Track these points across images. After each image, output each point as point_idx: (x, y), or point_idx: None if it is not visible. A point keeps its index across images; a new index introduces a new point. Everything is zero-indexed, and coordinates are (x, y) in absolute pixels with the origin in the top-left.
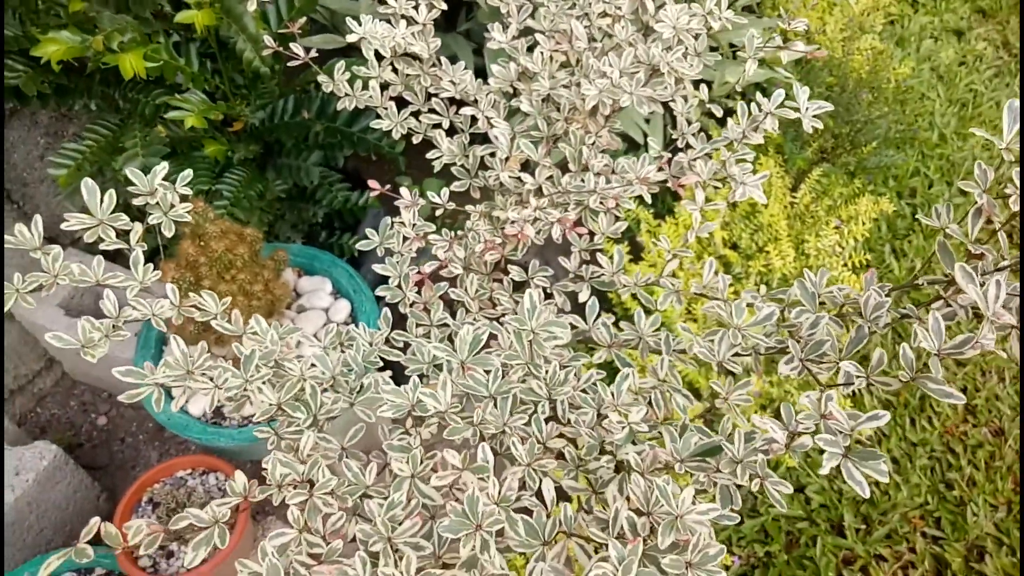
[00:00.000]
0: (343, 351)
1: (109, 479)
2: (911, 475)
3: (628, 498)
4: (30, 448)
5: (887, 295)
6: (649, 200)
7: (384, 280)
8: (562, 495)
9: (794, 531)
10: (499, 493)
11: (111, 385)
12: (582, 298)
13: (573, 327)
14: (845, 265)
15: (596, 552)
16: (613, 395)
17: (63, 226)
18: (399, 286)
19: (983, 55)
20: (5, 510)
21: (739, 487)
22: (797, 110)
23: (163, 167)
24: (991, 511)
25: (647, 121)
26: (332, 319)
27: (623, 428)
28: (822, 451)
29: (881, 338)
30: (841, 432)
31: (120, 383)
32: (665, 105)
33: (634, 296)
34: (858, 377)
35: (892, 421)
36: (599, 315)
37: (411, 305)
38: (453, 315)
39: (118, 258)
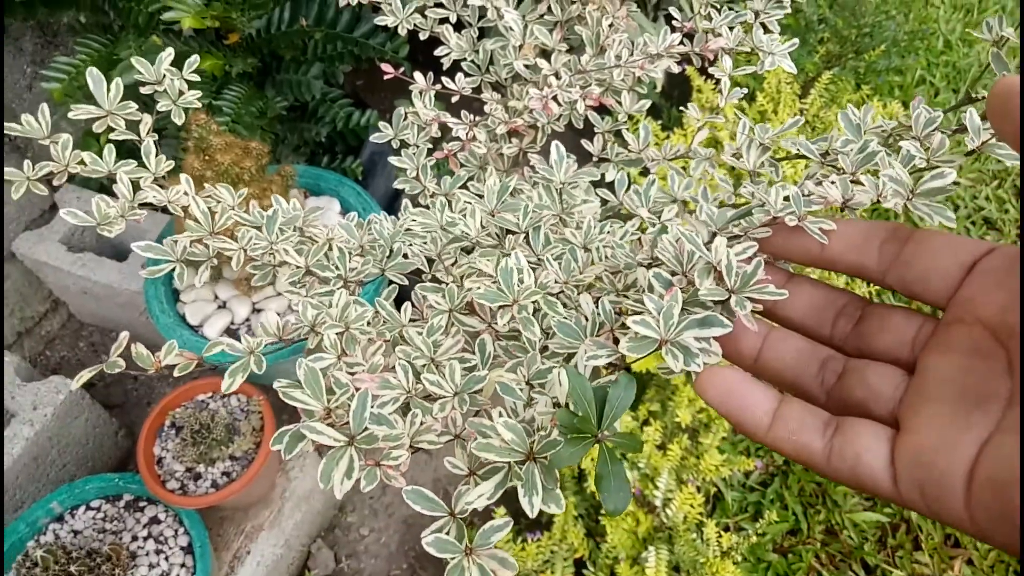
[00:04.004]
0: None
1: (125, 416)
2: None
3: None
4: (45, 383)
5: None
6: (676, 69)
7: (393, 198)
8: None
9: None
10: (536, 281)
11: (118, 324)
12: (609, 177)
13: (604, 201)
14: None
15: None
16: (642, 199)
17: (71, 115)
18: (416, 177)
19: None
20: (26, 445)
21: None
22: None
23: (168, 53)
24: None
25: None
26: None
27: (655, 225)
28: None
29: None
30: (900, 192)
31: (128, 322)
32: None
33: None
34: (919, 158)
35: None
36: (629, 187)
37: (431, 196)
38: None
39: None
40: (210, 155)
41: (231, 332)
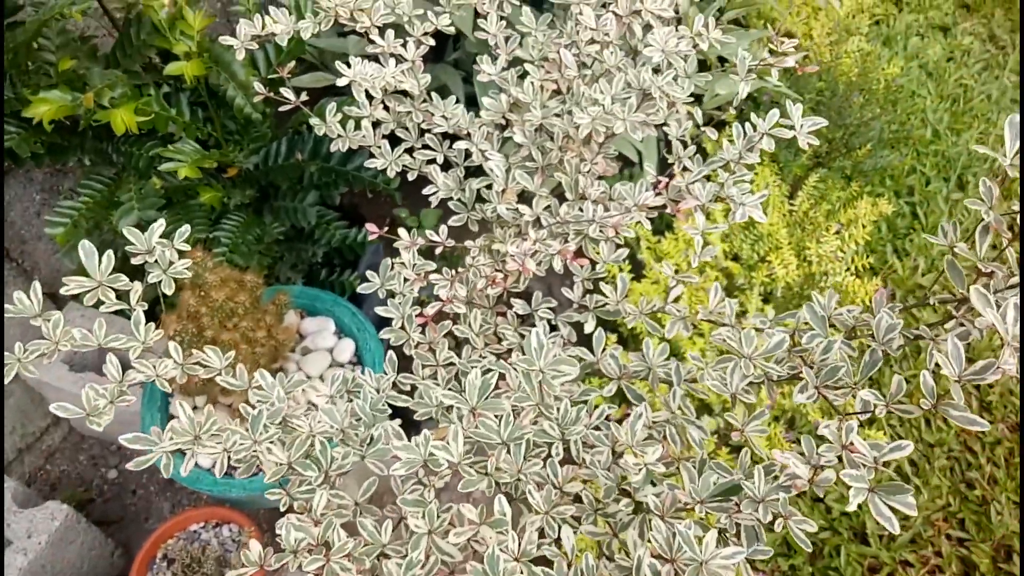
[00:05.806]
0: (350, 400)
1: (123, 533)
2: (931, 477)
3: (649, 542)
4: (41, 510)
5: (898, 315)
6: (648, 225)
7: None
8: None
9: (817, 541)
10: (519, 548)
11: (118, 438)
12: (588, 329)
13: (580, 359)
14: (848, 270)
15: None
16: (628, 435)
17: (62, 290)
18: (403, 327)
19: (970, 49)
20: (20, 573)
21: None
22: (792, 128)
23: (160, 224)
24: (1014, 508)
25: (640, 141)
26: (337, 359)
27: (640, 470)
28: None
29: (895, 359)
30: (865, 465)
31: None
32: (659, 125)
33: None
34: (877, 405)
35: (907, 423)
36: (606, 346)
37: (416, 346)
38: (459, 351)
39: (119, 312)
40: (205, 291)
41: None
